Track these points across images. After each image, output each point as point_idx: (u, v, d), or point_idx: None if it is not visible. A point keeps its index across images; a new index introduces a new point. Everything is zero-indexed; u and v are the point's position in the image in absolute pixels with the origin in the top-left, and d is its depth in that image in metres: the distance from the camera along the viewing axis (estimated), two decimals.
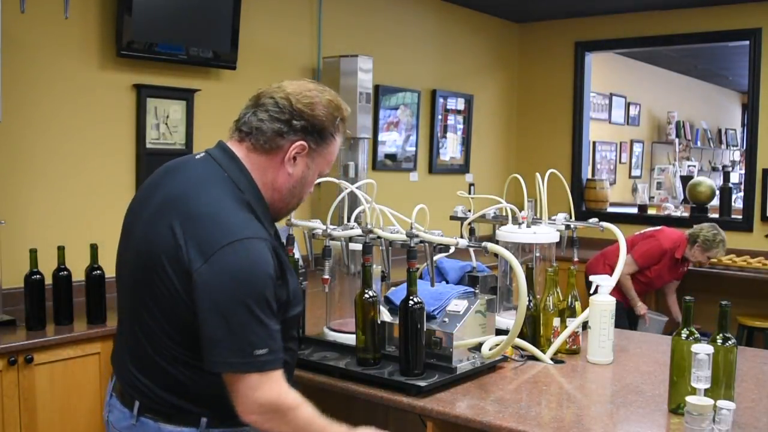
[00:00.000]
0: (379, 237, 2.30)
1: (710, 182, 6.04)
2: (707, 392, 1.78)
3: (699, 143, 10.33)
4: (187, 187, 1.62)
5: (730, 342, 1.89)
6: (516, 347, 2.44)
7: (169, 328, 1.58)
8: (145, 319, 1.61)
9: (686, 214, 6.08)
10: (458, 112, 5.86)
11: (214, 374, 1.55)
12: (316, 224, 2.49)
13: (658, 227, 4.83)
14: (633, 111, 8.65)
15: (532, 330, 2.50)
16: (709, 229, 4.49)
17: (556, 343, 2.48)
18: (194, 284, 1.51)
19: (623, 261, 2.63)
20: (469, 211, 3.03)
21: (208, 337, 1.51)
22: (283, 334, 1.65)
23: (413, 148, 5.43)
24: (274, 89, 1.69)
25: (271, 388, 1.53)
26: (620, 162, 8.43)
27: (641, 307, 4.60)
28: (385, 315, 2.35)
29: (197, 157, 1.73)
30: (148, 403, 1.63)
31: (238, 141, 1.69)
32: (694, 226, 4.64)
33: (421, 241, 2.22)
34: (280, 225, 2.10)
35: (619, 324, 2.63)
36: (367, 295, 2.20)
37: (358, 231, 2.38)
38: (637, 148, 8.86)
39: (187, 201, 1.58)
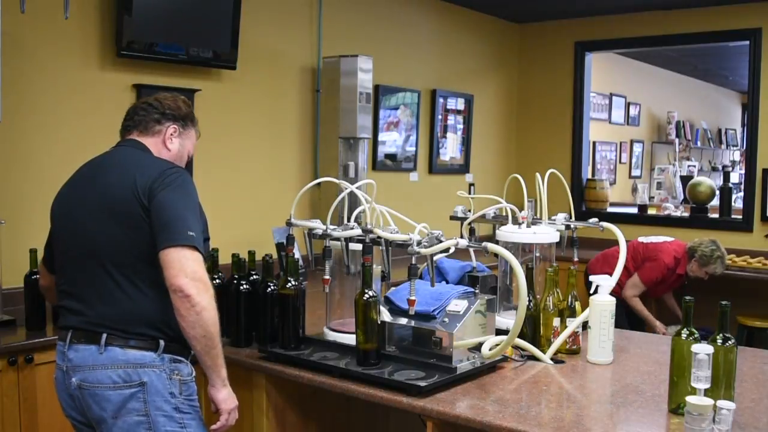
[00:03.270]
0: (379, 237, 2.30)
1: (710, 182, 6.03)
2: (707, 392, 1.78)
3: (699, 143, 10.33)
4: (119, 157, 2.14)
5: (730, 342, 1.89)
6: (516, 347, 2.44)
7: (134, 252, 1.99)
8: (113, 257, 2.00)
9: (686, 214, 6.07)
10: (458, 112, 5.86)
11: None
12: (316, 224, 2.49)
13: (658, 239, 4.70)
14: (633, 111, 8.65)
15: (532, 330, 2.50)
16: (707, 245, 4.43)
17: (556, 343, 2.48)
18: (149, 198, 1.98)
19: (623, 261, 2.64)
20: (469, 211, 3.03)
21: (157, 226, 1.95)
22: None
23: (413, 148, 5.43)
24: (142, 99, 2.29)
25: (200, 264, 1.94)
26: (620, 162, 8.43)
27: (660, 327, 4.49)
28: (385, 315, 2.35)
29: (109, 150, 2.21)
30: (114, 334, 1.98)
31: (129, 133, 2.23)
32: (695, 240, 4.57)
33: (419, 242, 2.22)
34: (280, 225, 2.14)
35: (619, 324, 2.62)
36: (367, 295, 2.20)
37: (358, 231, 2.38)
38: (637, 148, 8.86)
39: (124, 162, 2.11)
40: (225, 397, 2.05)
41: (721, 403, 1.73)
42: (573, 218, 2.91)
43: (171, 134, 2.22)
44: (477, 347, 2.29)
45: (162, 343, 2.01)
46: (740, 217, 5.61)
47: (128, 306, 2.00)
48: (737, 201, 6.50)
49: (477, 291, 2.46)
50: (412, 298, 2.22)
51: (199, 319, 1.91)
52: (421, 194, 5.47)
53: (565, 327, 2.51)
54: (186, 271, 1.89)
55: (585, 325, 2.51)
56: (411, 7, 5.35)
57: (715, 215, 5.88)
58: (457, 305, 2.30)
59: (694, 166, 9.20)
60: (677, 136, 9.49)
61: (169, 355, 2.02)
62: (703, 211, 5.90)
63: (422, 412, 2.03)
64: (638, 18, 5.90)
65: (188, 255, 1.91)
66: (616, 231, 2.77)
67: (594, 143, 7.47)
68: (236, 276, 2.58)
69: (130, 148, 2.18)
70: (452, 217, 3.04)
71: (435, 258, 2.36)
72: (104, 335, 1.98)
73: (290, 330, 2.40)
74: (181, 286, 1.88)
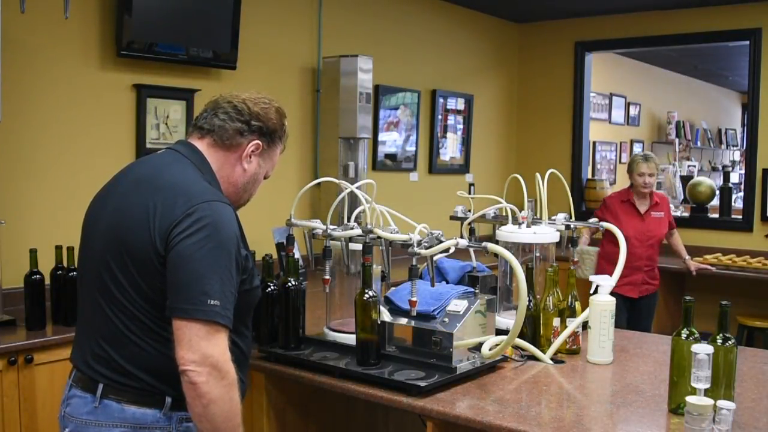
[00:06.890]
0: (379, 237, 2.30)
1: (710, 182, 6.04)
2: (707, 392, 1.78)
3: (699, 143, 10.33)
4: (152, 168, 1.76)
5: (730, 342, 1.89)
6: (516, 347, 2.44)
7: (138, 298, 1.65)
8: (114, 294, 1.66)
9: (686, 214, 6.07)
10: (458, 112, 5.86)
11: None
12: (316, 224, 2.49)
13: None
14: (633, 111, 8.65)
15: (532, 330, 2.50)
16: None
17: (556, 343, 2.48)
18: (166, 246, 1.60)
19: (623, 261, 2.63)
20: (469, 211, 3.03)
21: (170, 284, 1.59)
22: (238, 315, 1.70)
23: (413, 148, 5.43)
24: (230, 96, 1.87)
25: (217, 344, 1.57)
26: (620, 162, 8.42)
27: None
28: (385, 315, 2.35)
29: (159, 152, 1.87)
30: (112, 384, 1.67)
31: (199, 138, 1.82)
32: None
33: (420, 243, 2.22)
34: (280, 225, 2.08)
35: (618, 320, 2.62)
36: (367, 295, 2.20)
37: (358, 231, 2.38)
38: (637, 148, 8.85)
39: (153, 178, 1.71)
40: None
41: (721, 403, 1.73)
42: (573, 218, 2.91)
43: (252, 152, 1.82)
44: (477, 347, 2.29)
45: (169, 399, 1.65)
46: (740, 217, 5.61)
47: (132, 351, 1.66)
48: (737, 201, 6.50)
49: (477, 291, 2.46)
50: (414, 299, 2.22)
51: (206, 412, 1.56)
52: (421, 194, 5.47)
53: (565, 327, 2.51)
54: (195, 353, 1.54)
55: (585, 325, 2.51)
56: (411, 7, 5.35)
57: (715, 215, 5.88)
58: (457, 305, 2.30)
59: (694, 166, 9.20)
60: (677, 136, 9.49)
61: (179, 414, 1.67)
62: (703, 211, 5.91)
63: (422, 412, 2.03)
64: (638, 18, 5.90)
65: (201, 333, 1.54)
66: (616, 231, 2.77)
67: (594, 143, 7.47)
68: None
69: (174, 153, 1.78)
70: (452, 217, 3.04)
71: (435, 258, 2.36)
72: (101, 385, 1.67)
73: (290, 330, 2.40)
74: (186, 370, 1.54)
